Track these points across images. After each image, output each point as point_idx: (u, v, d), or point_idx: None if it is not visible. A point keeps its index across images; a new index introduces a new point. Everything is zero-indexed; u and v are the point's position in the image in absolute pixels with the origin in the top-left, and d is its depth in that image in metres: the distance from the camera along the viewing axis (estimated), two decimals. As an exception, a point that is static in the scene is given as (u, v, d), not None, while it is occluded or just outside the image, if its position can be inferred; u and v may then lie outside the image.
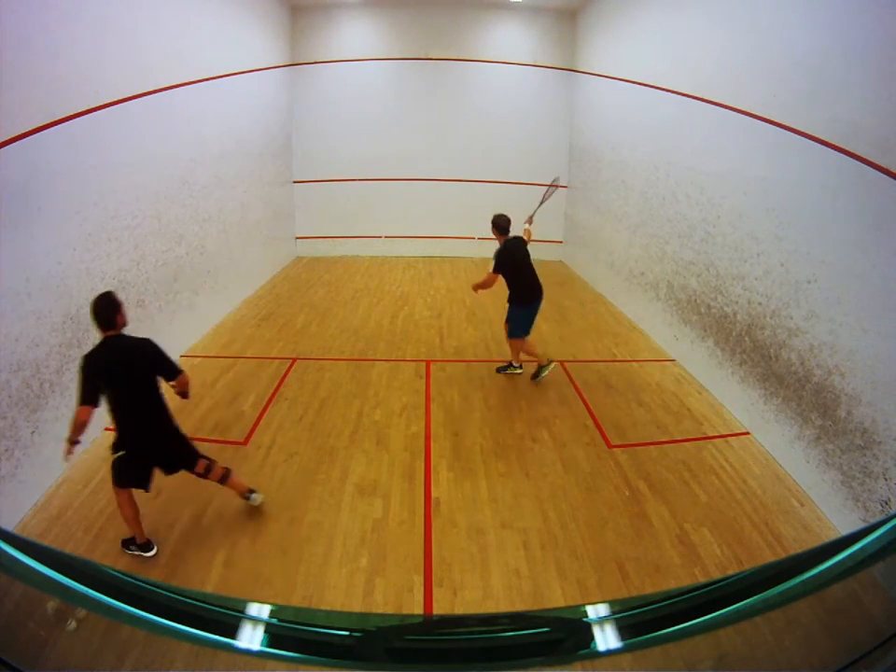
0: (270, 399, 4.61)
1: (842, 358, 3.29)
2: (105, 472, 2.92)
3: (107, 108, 4.09)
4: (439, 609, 2.67)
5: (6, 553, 0.77)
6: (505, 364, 5.18)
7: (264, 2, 7.72)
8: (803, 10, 3.72)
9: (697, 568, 2.92)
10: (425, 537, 3.11)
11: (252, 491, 3.23)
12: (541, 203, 5.29)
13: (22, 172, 3.26)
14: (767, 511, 3.38)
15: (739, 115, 4.39)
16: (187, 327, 5.57)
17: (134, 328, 4.36)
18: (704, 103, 4.96)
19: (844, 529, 3.18)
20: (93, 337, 2.75)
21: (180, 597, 0.87)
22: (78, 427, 2.60)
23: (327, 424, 4.26)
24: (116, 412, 2.78)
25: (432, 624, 1.40)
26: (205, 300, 5.95)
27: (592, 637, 0.84)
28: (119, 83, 4.26)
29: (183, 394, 2.92)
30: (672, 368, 5.43)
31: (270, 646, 0.81)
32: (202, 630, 0.80)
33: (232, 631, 0.81)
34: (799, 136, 3.66)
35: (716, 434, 4.23)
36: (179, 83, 5.21)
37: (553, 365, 4.93)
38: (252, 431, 4.13)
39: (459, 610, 2.66)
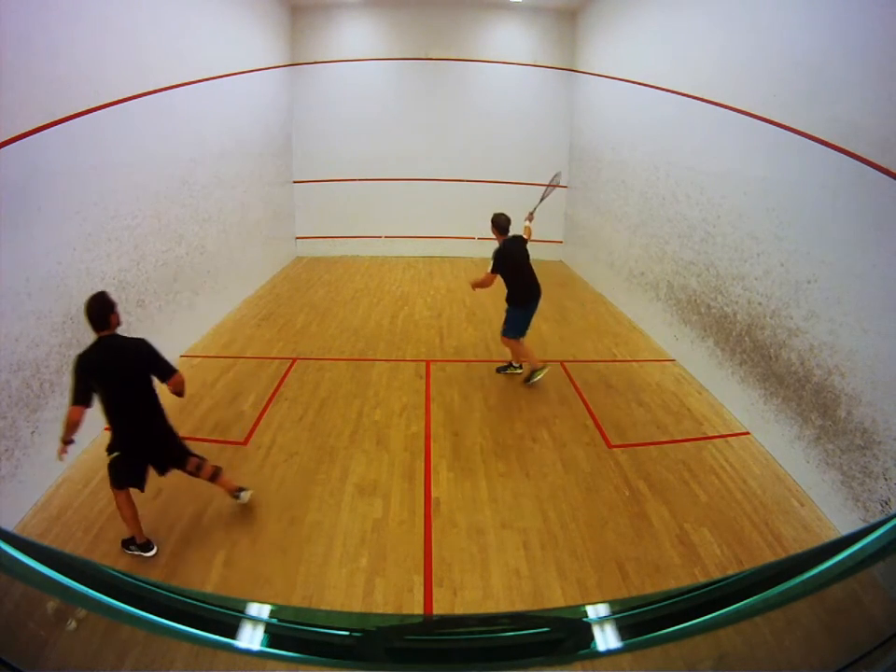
0: (270, 399, 4.61)
1: (842, 358, 3.29)
2: (106, 472, 2.92)
3: (107, 108, 4.09)
4: (439, 609, 2.67)
5: (6, 553, 0.77)
6: (505, 364, 5.18)
7: (264, 2, 7.72)
8: (803, 10, 3.72)
9: (697, 568, 2.92)
10: (425, 537, 3.11)
11: (241, 489, 3.22)
12: (542, 199, 5.28)
13: (22, 172, 3.26)
14: (767, 511, 3.38)
15: (739, 115, 4.39)
16: (187, 327, 5.57)
17: (134, 328, 4.40)
18: (704, 103, 4.96)
19: (844, 529, 3.18)
20: (93, 337, 2.75)
21: (180, 597, 0.87)
22: (70, 426, 2.60)
23: (327, 424, 4.26)
24: (110, 412, 2.77)
25: (432, 624, 1.40)
26: (205, 300, 5.95)
27: (592, 637, 0.84)
28: (119, 83, 4.26)
29: (178, 393, 2.90)
30: (672, 368, 5.43)
31: (270, 646, 0.81)
32: (202, 630, 0.80)
33: (232, 631, 0.81)
34: (799, 136, 3.66)
35: (716, 434, 4.23)
36: (179, 83, 5.21)
37: (546, 370, 4.87)
38: (252, 431, 4.13)
39: (459, 610, 2.66)
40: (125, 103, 4.32)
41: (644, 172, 6.35)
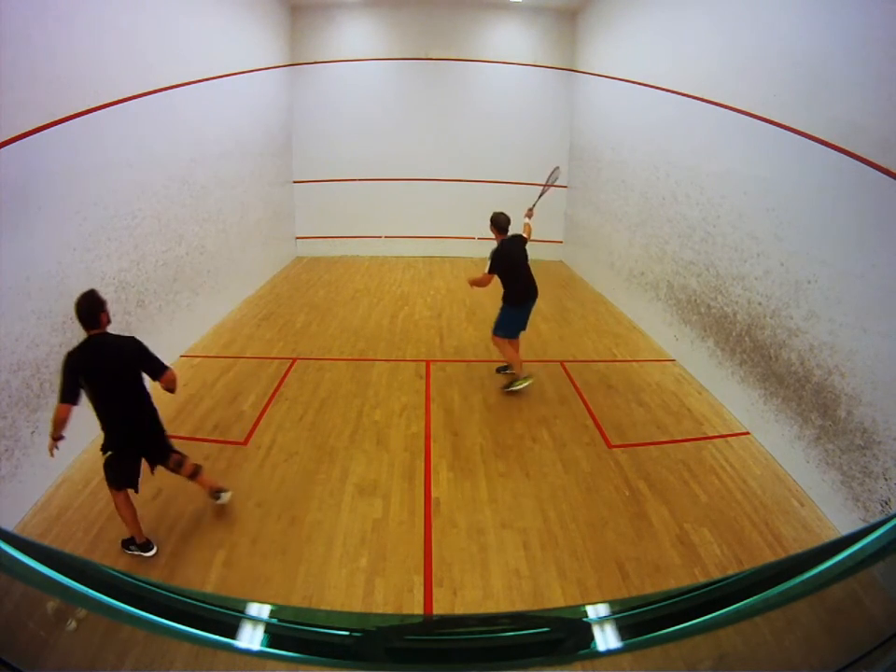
0: (270, 399, 4.61)
1: (842, 358, 3.29)
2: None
3: (107, 108, 4.09)
4: (439, 609, 2.67)
5: (6, 553, 0.77)
6: (505, 364, 5.17)
7: (264, 2, 7.72)
8: (803, 10, 3.72)
9: (697, 568, 2.92)
10: (425, 537, 3.11)
11: (221, 490, 3.21)
12: (541, 195, 5.23)
13: (22, 172, 3.26)
14: (767, 510, 3.38)
15: (739, 115, 4.39)
16: (187, 327, 5.58)
17: (134, 328, 4.40)
18: (704, 103, 4.96)
19: (844, 529, 3.18)
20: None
21: (180, 597, 0.87)
22: (58, 424, 2.61)
23: (327, 424, 4.26)
24: (100, 411, 2.77)
25: (432, 624, 1.40)
26: (205, 300, 5.95)
27: (592, 637, 0.84)
28: (119, 83, 4.26)
29: (170, 390, 2.89)
30: (672, 368, 5.43)
31: (270, 646, 0.81)
32: (202, 630, 0.80)
33: (232, 631, 0.81)
34: (799, 136, 3.66)
35: (716, 434, 4.23)
36: (179, 83, 5.21)
37: (530, 381, 4.71)
38: (252, 431, 4.13)
39: (459, 610, 2.66)
40: (125, 103, 4.32)
41: (644, 172, 6.35)
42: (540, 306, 6.64)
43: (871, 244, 3.08)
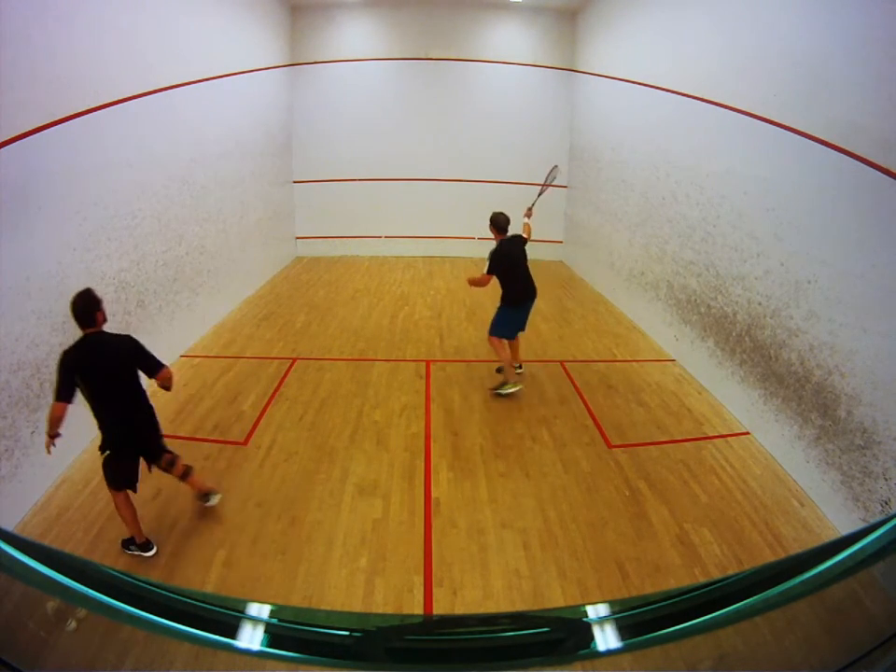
0: (270, 399, 4.61)
1: (842, 358, 3.29)
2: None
3: (107, 108, 4.09)
4: (439, 609, 2.67)
5: (6, 553, 0.77)
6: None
7: (264, 2, 7.72)
8: (803, 10, 3.72)
9: (697, 568, 2.92)
10: (425, 537, 3.12)
11: (210, 492, 3.22)
12: (540, 194, 5.21)
13: (22, 172, 3.26)
14: (767, 510, 3.38)
15: (739, 115, 4.40)
16: (187, 327, 5.58)
17: (134, 328, 4.40)
18: (704, 103, 4.96)
19: (844, 529, 3.18)
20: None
21: (180, 597, 0.87)
22: (54, 422, 2.61)
23: (327, 424, 4.26)
24: (96, 409, 2.77)
25: (432, 624, 1.40)
26: (205, 300, 5.95)
27: (592, 637, 0.84)
28: (119, 83, 4.26)
29: (165, 388, 2.89)
30: (672, 368, 5.43)
31: (270, 646, 0.81)
32: (202, 630, 0.80)
33: (232, 631, 0.81)
34: (799, 136, 3.66)
35: (716, 434, 4.24)
36: (179, 83, 5.21)
37: (518, 388, 4.67)
38: (252, 431, 4.13)
39: (459, 610, 2.66)
40: (125, 103, 4.32)
41: (644, 172, 6.35)
42: (540, 306, 6.64)
43: (871, 244, 3.08)
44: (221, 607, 0.89)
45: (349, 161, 9.24)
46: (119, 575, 0.88)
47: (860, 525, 2.82)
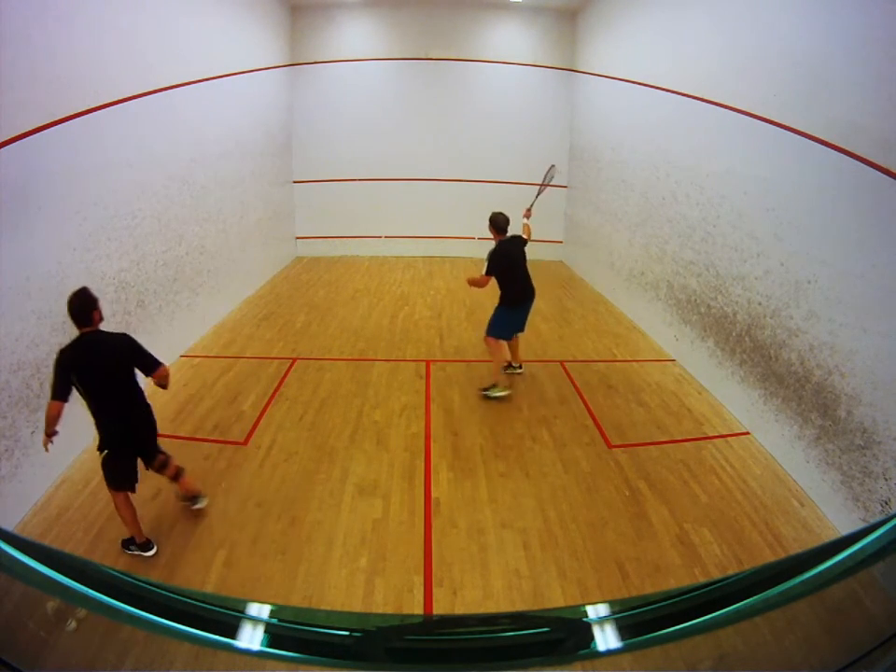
0: (270, 399, 4.61)
1: (842, 358, 3.29)
2: (105, 472, 2.92)
3: (107, 108, 4.09)
4: (439, 609, 2.67)
5: (6, 553, 0.77)
6: (505, 364, 5.17)
7: (264, 2, 7.72)
8: (803, 10, 3.72)
9: (697, 568, 2.92)
10: (425, 537, 3.12)
11: (198, 495, 3.22)
12: (538, 194, 5.17)
13: (22, 172, 3.26)
14: (767, 510, 3.38)
15: (739, 115, 4.40)
16: (187, 327, 5.58)
17: (134, 328, 4.40)
18: (704, 103, 4.96)
19: (844, 529, 3.18)
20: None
21: (180, 597, 0.87)
22: (50, 421, 2.61)
23: (327, 424, 4.26)
24: (94, 409, 2.77)
25: (432, 624, 1.40)
26: (205, 300, 5.95)
27: (592, 637, 0.84)
28: (119, 83, 4.26)
29: (162, 385, 2.89)
30: (672, 368, 5.43)
31: (270, 646, 0.81)
32: (202, 630, 0.80)
33: (232, 631, 0.81)
34: (799, 136, 3.66)
35: (716, 434, 4.24)
36: (179, 83, 5.21)
37: (507, 393, 4.62)
38: (252, 431, 4.13)
39: (459, 610, 2.66)
40: (125, 103, 4.32)
41: (644, 172, 6.35)
42: (540, 306, 6.64)
43: (871, 244, 3.08)
44: (221, 607, 0.89)
45: (349, 161, 9.24)
46: (119, 575, 0.88)
47: (860, 525, 2.82)
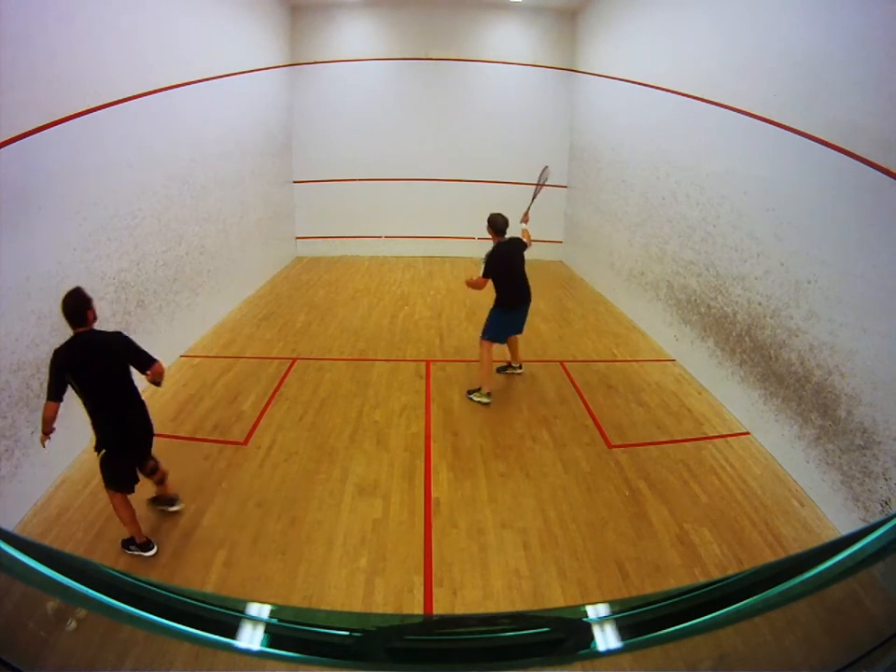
0: (270, 399, 4.61)
1: (842, 358, 3.29)
2: (105, 472, 2.92)
3: (107, 108, 4.09)
4: (439, 609, 2.67)
5: (6, 553, 0.77)
6: (505, 364, 5.18)
7: (264, 2, 7.72)
8: (803, 11, 3.72)
9: (697, 568, 2.92)
10: (425, 537, 3.12)
11: (176, 498, 3.25)
12: (534, 197, 5.08)
13: (22, 172, 3.26)
14: (767, 510, 3.38)
15: (739, 115, 4.40)
16: (187, 327, 5.57)
17: (134, 328, 4.40)
18: (704, 103, 4.96)
19: (844, 529, 3.18)
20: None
21: (180, 597, 0.87)
22: (48, 421, 2.61)
23: (327, 424, 4.26)
24: (90, 408, 2.77)
25: (432, 624, 1.40)
26: (205, 300, 5.95)
27: (592, 637, 0.84)
28: (119, 83, 4.26)
29: (156, 383, 2.88)
30: (672, 368, 5.43)
31: (270, 646, 0.81)
32: (202, 630, 0.80)
33: (232, 631, 0.81)
34: (799, 136, 3.66)
35: (716, 434, 4.24)
36: (179, 83, 5.21)
37: (488, 401, 4.55)
38: (252, 431, 4.13)
39: (459, 610, 2.66)
40: (125, 103, 4.32)
41: (644, 172, 6.35)
42: (540, 306, 6.64)
43: (871, 244, 3.08)
44: (221, 607, 0.89)
45: (349, 161, 9.24)
46: (119, 575, 0.88)
47: (860, 525, 2.82)
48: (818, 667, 1.01)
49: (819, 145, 3.46)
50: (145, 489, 3.10)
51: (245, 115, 7.14)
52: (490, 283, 4.53)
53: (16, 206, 3.21)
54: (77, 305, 2.68)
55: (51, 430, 2.65)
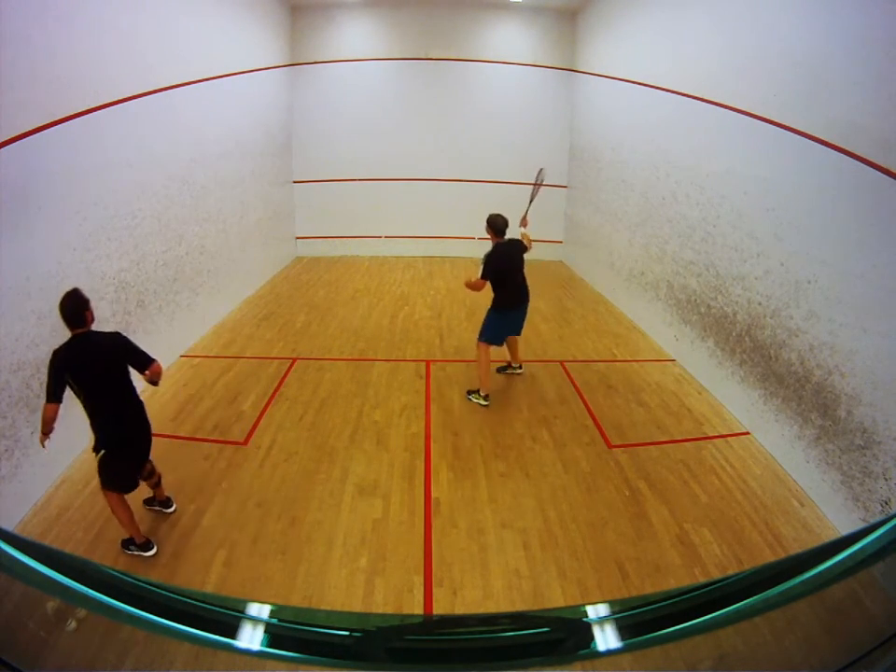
0: (270, 399, 4.61)
1: (842, 358, 3.29)
2: (105, 472, 2.92)
3: (107, 108, 4.09)
4: (439, 609, 2.67)
5: (6, 553, 0.77)
6: (505, 364, 5.18)
7: (264, 2, 7.72)
8: (803, 11, 3.72)
9: (697, 568, 2.92)
10: (425, 537, 3.12)
11: (171, 500, 3.27)
12: (531, 200, 5.03)
13: (22, 172, 3.26)
14: (767, 510, 3.38)
15: (739, 115, 4.40)
16: (187, 327, 5.57)
17: (134, 328, 4.41)
18: (704, 103, 4.96)
19: (844, 529, 3.18)
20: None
21: (180, 597, 0.87)
22: (47, 422, 2.61)
23: (327, 424, 4.26)
24: (89, 409, 2.77)
25: (432, 624, 1.40)
26: (205, 300, 5.95)
27: (592, 637, 0.84)
28: (119, 83, 4.26)
29: (153, 382, 2.88)
30: (672, 368, 5.43)
31: (270, 646, 0.81)
32: (202, 630, 0.80)
33: (232, 631, 0.81)
34: (799, 136, 3.66)
35: (716, 434, 4.24)
36: (179, 83, 5.21)
37: (485, 403, 4.53)
38: (252, 431, 4.13)
39: (459, 610, 2.66)
40: (125, 103, 4.32)
41: (644, 172, 6.35)
42: (540, 306, 6.64)
43: (871, 244, 3.08)
44: (221, 607, 0.89)
45: (349, 161, 9.24)
46: (119, 575, 0.88)
47: (860, 525, 2.82)
48: (818, 667, 1.01)
49: (819, 145, 3.46)
50: (140, 490, 3.10)
51: (245, 115, 7.14)
52: (488, 284, 4.50)
53: (16, 206, 3.21)
54: (74, 307, 2.67)
55: (51, 430, 2.65)
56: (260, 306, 7.01)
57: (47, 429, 2.63)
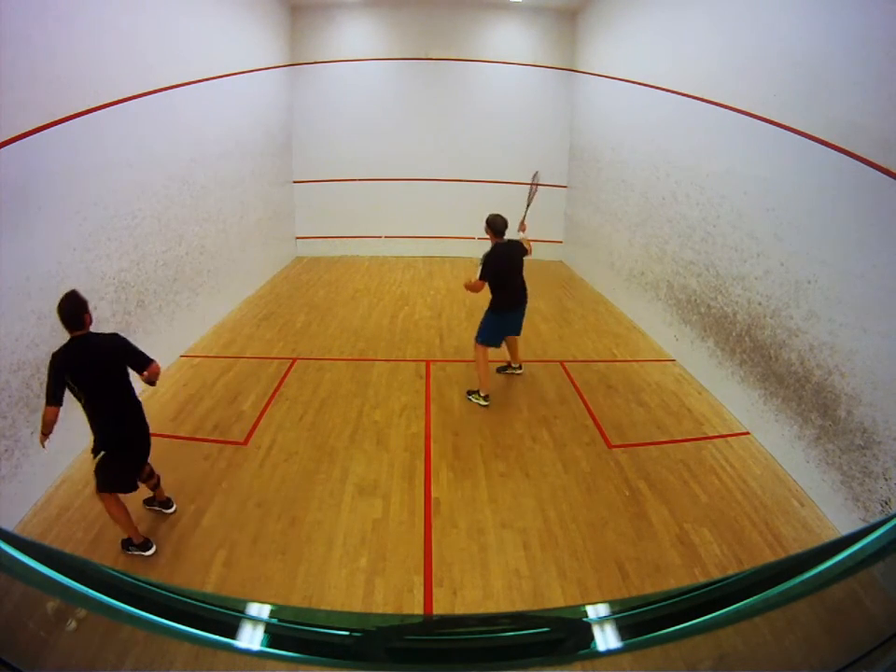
0: (270, 399, 4.61)
1: (842, 358, 3.29)
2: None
3: (107, 108, 4.09)
4: (439, 608, 2.67)
5: (6, 553, 0.77)
6: (505, 364, 5.18)
7: (264, 2, 7.72)
8: (803, 11, 3.72)
9: (697, 568, 2.92)
10: (425, 537, 3.12)
11: (171, 501, 3.28)
12: (528, 203, 5.02)
13: (22, 172, 3.26)
14: (767, 510, 3.38)
15: (739, 115, 4.40)
16: (187, 327, 5.57)
17: (134, 328, 4.41)
18: (704, 103, 4.96)
19: (844, 529, 3.18)
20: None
21: (180, 597, 0.87)
22: (48, 424, 2.60)
23: (327, 424, 4.26)
24: (89, 411, 2.77)
25: (432, 624, 1.40)
26: (205, 300, 5.95)
27: (592, 637, 0.84)
28: (119, 83, 4.26)
29: (151, 382, 2.87)
30: (672, 368, 5.43)
31: (270, 646, 0.81)
32: (202, 630, 0.80)
33: (232, 631, 0.81)
34: (799, 136, 3.66)
35: (716, 434, 4.24)
36: (179, 83, 5.21)
37: (486, 403, 4.53)
38: (252, 431, 4.13)
39: (459, 610, 2.66)
40: (125, 103, 4.32)
41: (644, 172, 6.35)
42: (540, 306, 6.65)
43: (871, 244, 3.08)
44: (221, 607, 0.89)
45: (349, 161, 9.24)
46: (119, 575, 0.88)
47: (860, 525, 2.82)
48: (818, 667, 1.01)
49: (819, 145, 3.46)
50: (140, 490, 3.10)
51: (245, 115, 7.14)
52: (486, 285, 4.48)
53: (16, 206, 3.21)
54: (73, 309, 2.66)
55: (51, 431, 2.65)
56: (260, 306, 7.01)
57: (47, 430, 2.63)
